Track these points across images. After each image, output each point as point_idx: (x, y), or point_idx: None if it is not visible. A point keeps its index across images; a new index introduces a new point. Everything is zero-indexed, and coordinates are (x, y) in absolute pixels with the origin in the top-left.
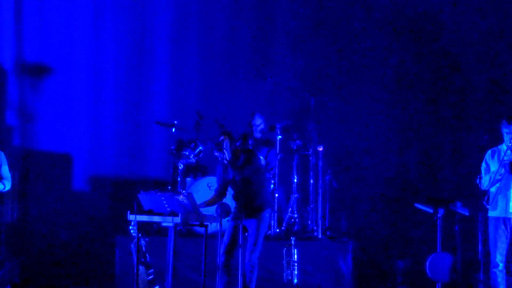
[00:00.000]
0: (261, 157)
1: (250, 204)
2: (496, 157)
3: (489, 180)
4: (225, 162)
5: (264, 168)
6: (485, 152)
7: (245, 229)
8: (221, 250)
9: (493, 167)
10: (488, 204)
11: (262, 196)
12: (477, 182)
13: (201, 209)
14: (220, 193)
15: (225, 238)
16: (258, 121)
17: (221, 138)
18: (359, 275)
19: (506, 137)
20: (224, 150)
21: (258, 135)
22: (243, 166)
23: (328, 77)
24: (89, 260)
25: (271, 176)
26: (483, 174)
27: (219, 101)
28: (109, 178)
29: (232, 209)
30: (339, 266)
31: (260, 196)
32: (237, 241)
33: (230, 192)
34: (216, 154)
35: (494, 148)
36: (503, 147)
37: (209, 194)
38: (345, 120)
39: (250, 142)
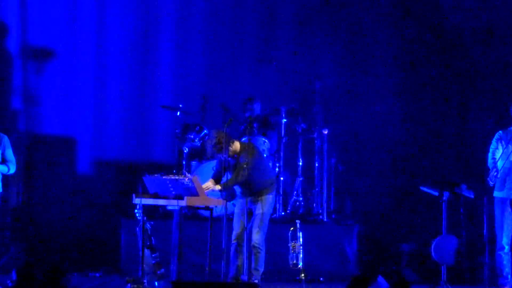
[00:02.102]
0: (264, 140)
1: (253, 190)
2: (507, 138)
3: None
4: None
5: (263, 154)
6: (493, 134)
7: (251, 213)
8: (232, 236)
9: (504, 149)
10: (491, 180)
11: (264, 182)
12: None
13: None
14: (217, 178)
15: (235, 224)
16: (256, 106)
17: (211, 150)
18: (364, 257)
19: None
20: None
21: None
22: (241, 164)
23: (334, 60)
24: (94, 244)
25: (275, 159)
26: (490, 155)
27: (224, 84)
28: (114, 162)
29: (238, 193)
30: (344, 249)
31: (261, 182)
32: (245, 225)
33: None
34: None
35: (504, 130)
36: None
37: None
38: (350, 103)
39: (255, 125)
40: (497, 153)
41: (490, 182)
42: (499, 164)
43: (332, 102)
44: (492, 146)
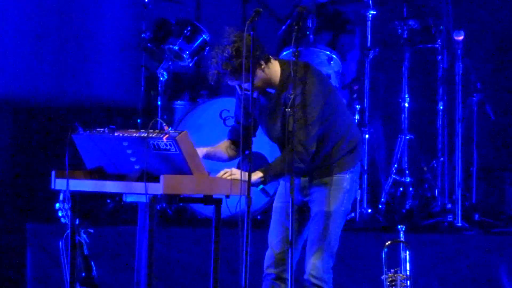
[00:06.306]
0: (331, 54)
1: (314, 163)
2: None
3: None
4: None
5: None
6: None
7: (304, 212)
8: (266, 260)
9: None
10: None
11: (335, 146)
12: None
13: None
14: (236, 137)
15: (270, 234)
16: None
17: (221, 71)
18: None
19: None
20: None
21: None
22: (284, 111)
23: None
24: None
25: (352, 94)
26: None
27: None
28: (10, 102)
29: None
30: (500, 281)
31: (330, 148)
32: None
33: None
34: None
35: None
36: None
37: (223, 134)
38: None
39: (310, 24)
40: None
41: None
42: None
43: None
44: None
